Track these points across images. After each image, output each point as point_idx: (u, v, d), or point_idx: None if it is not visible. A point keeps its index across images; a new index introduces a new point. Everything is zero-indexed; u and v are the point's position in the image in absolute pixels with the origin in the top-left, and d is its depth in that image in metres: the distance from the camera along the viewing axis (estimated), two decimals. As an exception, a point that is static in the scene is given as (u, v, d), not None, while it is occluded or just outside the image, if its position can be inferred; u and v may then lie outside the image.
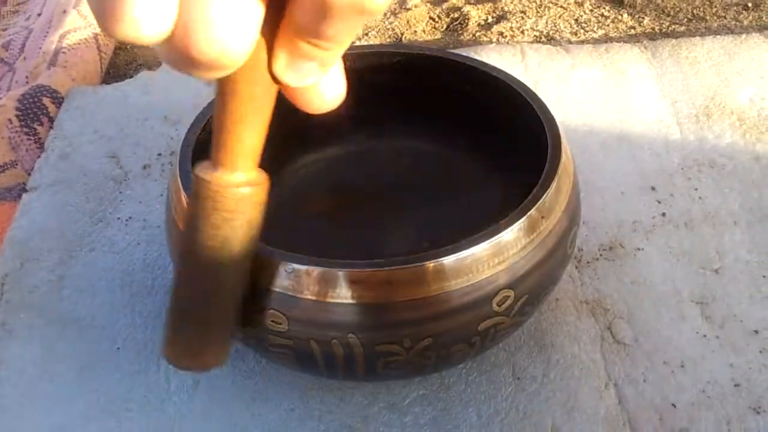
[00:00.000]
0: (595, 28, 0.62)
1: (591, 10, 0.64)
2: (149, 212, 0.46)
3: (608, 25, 0.62)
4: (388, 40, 0.63)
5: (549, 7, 0.64)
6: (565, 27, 0.62)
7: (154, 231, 0.45)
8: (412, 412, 0.37)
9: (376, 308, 0.30)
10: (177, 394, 0.37)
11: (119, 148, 0.50)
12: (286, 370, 0.38)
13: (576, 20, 0.63)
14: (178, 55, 0.19)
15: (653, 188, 0.47)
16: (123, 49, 0.62)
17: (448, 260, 0.29)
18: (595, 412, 0.36)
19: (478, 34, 0.62)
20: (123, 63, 0.61)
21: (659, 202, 0.46)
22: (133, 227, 0.45)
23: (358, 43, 0.63)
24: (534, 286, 0.32)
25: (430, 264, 0.29)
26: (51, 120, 0.52)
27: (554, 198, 0.32)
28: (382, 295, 0.29)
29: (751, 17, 0.62)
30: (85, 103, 0.53)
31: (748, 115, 0.52)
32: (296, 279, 0.30)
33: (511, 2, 0.65)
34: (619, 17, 0.63)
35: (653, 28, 0.62)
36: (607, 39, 0.61)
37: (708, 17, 0.63)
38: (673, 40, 0.58)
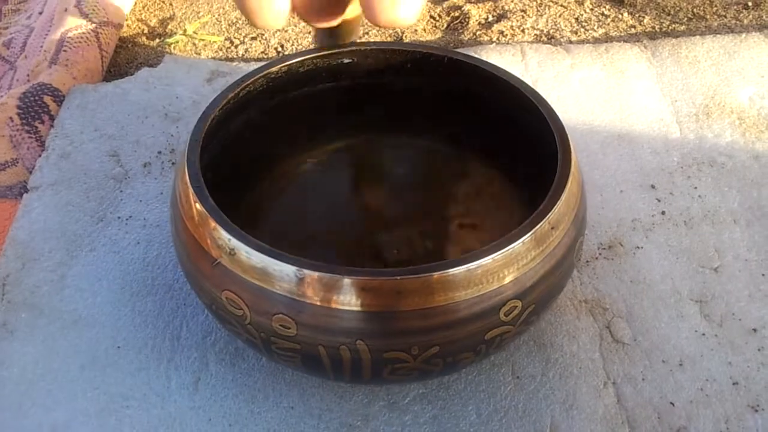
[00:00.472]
0: (595, 27, 0.62)
1: (591, 9, 0.64)
2: (149, 211, 0.46)
3: (608, 24, 0.62)
4: (389, 38, 0.63)
5: (549, 6, 0.64)
6: (566, 26, 0.62)
7: (154, 230, 0.45)
8: (412, 411, 0.37)
9: (385, 316, 0.30)
10: (177, 392, 0.38)
11: (120, 147, 0.50)
12: (286, 369, 0.38)
13: (576, 19, 0.63)
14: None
15: (653, 187, 0.47)
16: (124, 47, 0.62)
17: (458, 271, 0.29)
18: (593, 410, 0.36)
19: (478, 32, 0.62)
20: (124, 61, 0.61)
21: (659, 201, 0.47)
22: (134, 226, 0.45)
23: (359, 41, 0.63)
24: (541, 296, 0.32)
25: (440, 275, 0.29)
26: (52, 118, 0.52)
27: (564, 209, 0.32)
28: (392, 303, 0.29)
29: (751, 16, 0.62)
30: (85, 101, 0.53)
31: (748, 114, 0.52)
32: (306, 284, 0.29)
33: (512, 1, 0.65)
34: (620, 16, 0.63)
35: (653, 27, 0.62)
36: (607, 38, 0.61)
37: (708, 16, 0.63)
38: (673, 40, 0.58)
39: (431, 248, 0.41)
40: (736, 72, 0.55)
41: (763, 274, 0.42)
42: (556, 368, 0.38)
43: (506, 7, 0.64)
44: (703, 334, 0.40)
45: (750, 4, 0.64)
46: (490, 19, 0.64)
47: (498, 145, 0.42)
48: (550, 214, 0.31)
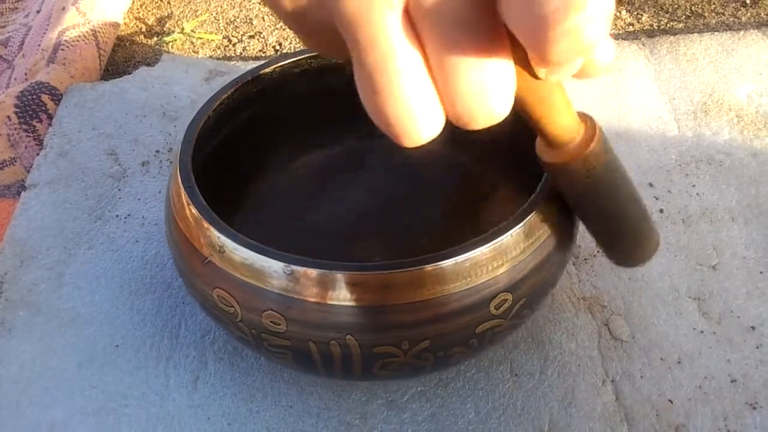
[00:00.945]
0: (593, 25, 0.62)
1: (589, 7, 0.64)
2: (147, 209, 0.46)
3: (607, 22, 0.62)
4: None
5: (547, 4, 0.64)
6: (564, 24, 0.62)
7: (152, 228, 0.45)
8: (411, 409, 0.37)
9: (374, 310, 0.30)
10: (176, 390, 0.38)
11: (118, 145, 0.50)
12: (284, 368, 0.38)
13: (574, 17, 0.63)
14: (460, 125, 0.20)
15: (651, 184, 0.47)
16: (122, 45, 0.62)
17: (447, 264, 0.29)
18: (592, 408, 0.36)
19: (476, 30, 0.62)
20: (122, 60, 0.61)
21: (657, 199, 0.47)
22: (132, 224, 0.45)
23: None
24: (532, 289, 0.32)
25: (429, 267, 0.29)
26: (50, 117, 0.52)
27: (554, 201, 0.32)
28: (381, 297, 0.29)
29: (749, 14, 0.62)
30: (83, 100, 0.53)
31: (746, 112, 0.52)
32: (295, 280, 0.30)
33: None
34: (618, 14, 0.63)
35: (652, 25, 0.62)
36: (605, 36, 0.61)
37: (706, 14, 0.63)
38: (672, 37, 0.58)
39: (427, 245, 0.41)
40: (734, 69, 0.55)
41: (761, 272, 0.42)
42: (554, 366, 0.38)
43: (504, 5, 0.64)
44: (702, 332, 0.40)
45: (748, 1, 0.64)
46: (489, 17, 0.64)
47: (494, 143, 0.42)
48: (539, 206, 0.31)
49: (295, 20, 0.20)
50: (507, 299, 0.31)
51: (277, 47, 0.61)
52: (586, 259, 0.43)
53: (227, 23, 0.64)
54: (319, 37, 0.21)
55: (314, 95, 0.42)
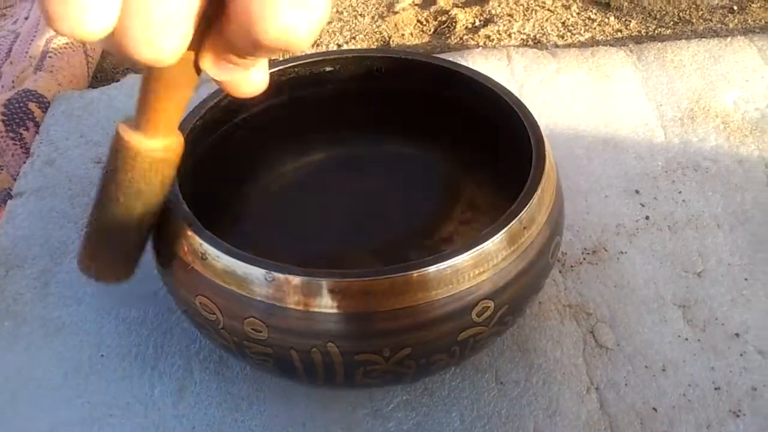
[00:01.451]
0: (582, 31, 0.62)
1: (578, 13, 0.64)
2: (134, 218, 0.46)
3: (595, 28, 0.63)
4: (376, 43, 0.63)
5: (536, 11, 0.65)
6: (552, 30, 0.63)
7: (139, 237, 0.45)
8: (396, 418, 0.37)
9: (355, 318, 0.30)
10: (161, 400, 0.38)
11: (105, 153, 0.50)
12: (270, 377, 0.38)
13: (563, 23, 0.63)
14: (117, 49, 0.20)
15: (637, 191, 0.48)
16: (111, 53, 0.62)
17: (429, 271, 0.29)
18: (576, 416, 0.36)
19: (465, 37, 0.62)
20: (110, 67, 0.61)
21: (643, 206, 0.47)
22: (118, 233, 0.45)
23: (345, 47, 0.63)
24: (514, 297, 0.32)
25: (411, 274, 0.29)
26: (37, 125, 0.52)
27: (536, 209, 0.32)
28: (362, 304, 0.29)
29: (736, 20, 0.63)
30: (71, 108, 0.53)
31: (733, 118, 0.52)
32: (276, 287, 0.30)
33: (499, 5, 0.65)
34: (606, 20, 0.63)
35: (640, 32, 0.62)
36: (593, 42, 0.61)
37: (694, 20, 0.63)
38: (659, 44, 0.59)
39: (414, 256, 0.41)
40: (721, 76, 0.55)
41: (746, 279, 0.42)
42: (539, 374, 0.38)
43: (493, 12, 0.65)
44: (686, 339, 0.40)
45: (735, 8, 0.64)
46: (477, 23, 0.64)
47: (482, 150, 0.42)
48: (522, 213, 0.31)
49: None
50: (489, 306, 0.31)
51: (266, 54, 0.61)
52: (572, 266, 0.43)
53: (216, 30, 0.64)
54: None
55: (302, 103, 0.42)
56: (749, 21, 0.62)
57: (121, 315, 0.41)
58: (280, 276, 0.29)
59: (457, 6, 0.66)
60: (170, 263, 0.33)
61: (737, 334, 0.40)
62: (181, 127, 0.36)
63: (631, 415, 0.37)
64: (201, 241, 0.31)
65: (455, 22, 0.64)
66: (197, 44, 0.22)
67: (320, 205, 0.44)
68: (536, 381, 0.38)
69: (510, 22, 0.63)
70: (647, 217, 0.46)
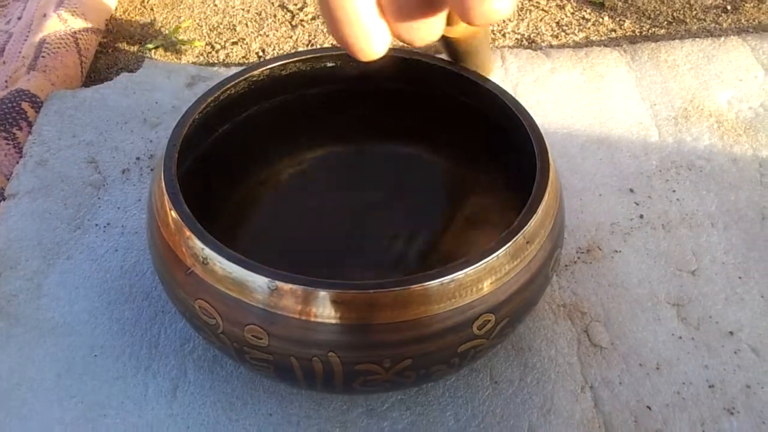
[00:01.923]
0: (576, 31, 0.62)
1: (572, 13, 0.64)
2: (127, 218, 0.46)
3: (589, 28, 0.63)
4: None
5: (530, 11, 0.65)
6: (547, 30, 0.63)
7: (132, 237, 0.45)
8: (390, 417, 0.37)
9: (357, 329, 0.29)
10: (155, 399, 0.37)
11: (98, 153, 0.50)
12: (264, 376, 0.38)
13: (557, 23, 0.63)
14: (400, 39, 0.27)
15: (631, 190, 0.48)
16: (104, 52, 0.62)
17: (432, 285, 0.29)
18: (571, 415, 0.37)
19: (459, 36, 0.62)
20: (104, 66, 0.61)
21: (637, 204, 0.47)
22: (111, 234, 0.45)
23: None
24: (515, 310, 0.32)
25: (414, 288, 0.29)
26: (30, 125, 0.52)
27: (540, 223, 0.32)
28: (365, 316, 0.29)
29: (730, 20, 0.63)
30: (64, 107, 0.53)
31: (726, 118, 0.52)
32: (279, 296, 0.29)
33: (493, 5, 0.65)
34: (600, 20, 0.63)
35: (634, 31, 0.62)
36: (587, 42, 0.61)
37: (688, 20, 0.63)
38: (653, 43, 0.59)
39: (413, 258, 0.41)
40: (715, 75, 0.56)
41: (739, 277, 0.43)
42: (534, 373, 0.38)
43: (487, 12, 0.65)
44: (680, 338, 0.40)
45: (729, 7, 0.64)
46: (472, 23, 0.64)
47: (482, 151, 0.42)
48: (525, 228, 0.31)
49: None
50: (490, 320, 0.31)
51: (261, 54, 0.61)
52: (566, 265, 0.43)
53: (210, 29, 0.64)
54: None
55: (302, 102, 0.42)
56: (743, 21, 0.63)
57: (115, 315, 0.41)
58: (283, 285, 0.29)
59: (452, 6, 0.66)
60: (169, 264, 0.32)
61: (731, 333, 0.40)
62: (181, 127, 0.35)
63: (626, 414, 0.37)
64: (203, 245, 0.30)
65: (449, 21, 0.64)
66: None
67: (319, 206, 0.44)
68: (531, 380, 0.38)
69: (504, 22, 0.63)
70: (641, 216, 0.46)
